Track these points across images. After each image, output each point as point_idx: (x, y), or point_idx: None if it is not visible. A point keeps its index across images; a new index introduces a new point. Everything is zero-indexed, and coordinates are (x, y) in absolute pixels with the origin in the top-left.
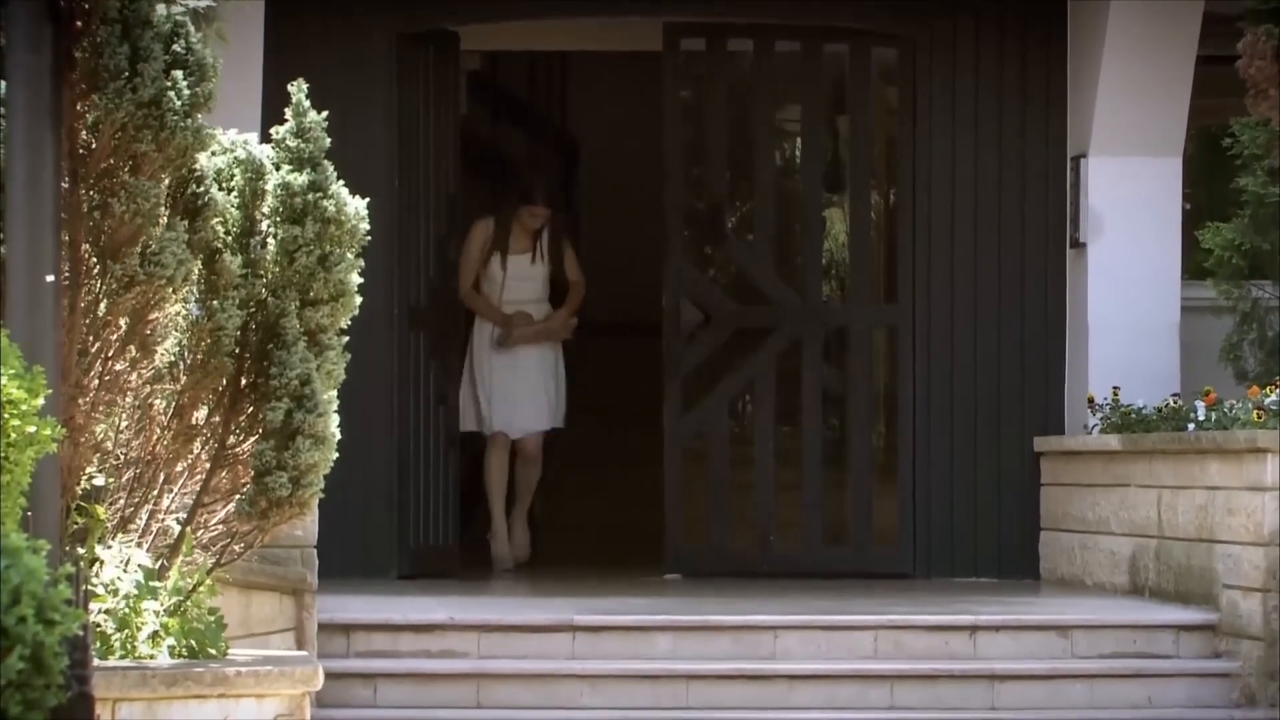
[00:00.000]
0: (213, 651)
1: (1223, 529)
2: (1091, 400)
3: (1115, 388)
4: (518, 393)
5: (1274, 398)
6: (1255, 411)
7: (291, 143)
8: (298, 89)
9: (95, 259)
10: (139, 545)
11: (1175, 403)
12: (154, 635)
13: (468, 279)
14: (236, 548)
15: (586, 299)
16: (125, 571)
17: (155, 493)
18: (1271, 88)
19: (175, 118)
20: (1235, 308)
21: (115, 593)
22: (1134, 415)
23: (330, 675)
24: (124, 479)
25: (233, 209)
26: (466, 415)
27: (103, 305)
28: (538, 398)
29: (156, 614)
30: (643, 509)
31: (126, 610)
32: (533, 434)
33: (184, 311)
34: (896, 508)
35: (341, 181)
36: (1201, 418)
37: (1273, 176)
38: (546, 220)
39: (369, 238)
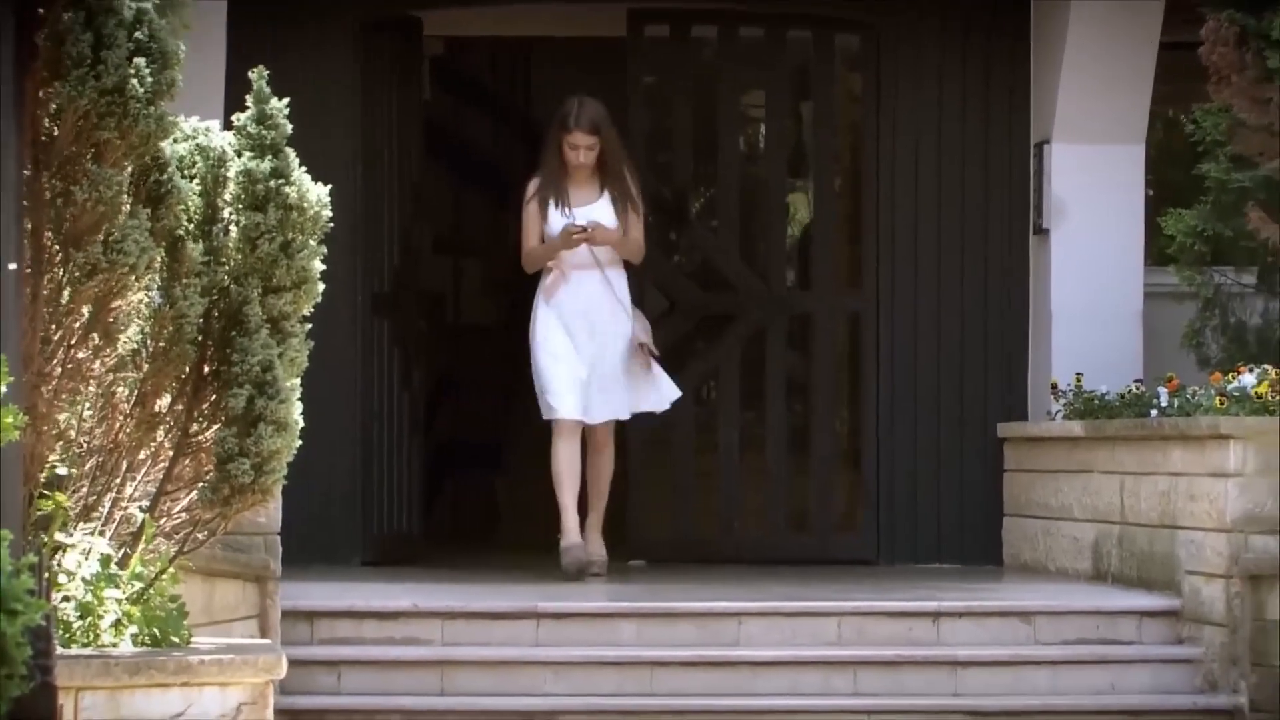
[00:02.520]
0: (176, 640)
1: (1185, 515)
2: (1055, 386)
3: (1078, 374)
4: (600, 369)
5: (1236, 384)
6: (1218, 398)
7: (253, 129)
8: (259, 75)
9: (58, 247)
10: (102, 533)
11: (1138, 389)
12: (117, 624)
13: (527, 243)
14: (199, 535)
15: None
16: (87, 560)
17: (118, 480)
18: (1233, 74)
19: (138, 105)
20: (1198, 294)
21: (78, 581)
22: (1097, 401)
23: (294, 663)
24: (87, 467)
25: (195, 196)
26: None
27: (65, 293)
28: (618, 376)
29: (119, 602)
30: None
31: (89, 598)
32: (608, 421)
33: (146, 299)
34: (860, 494)
35: (304, 168)
36: (1164, 404)
37: (1235, 163)
38: (596, 149)
39: (332, 224)
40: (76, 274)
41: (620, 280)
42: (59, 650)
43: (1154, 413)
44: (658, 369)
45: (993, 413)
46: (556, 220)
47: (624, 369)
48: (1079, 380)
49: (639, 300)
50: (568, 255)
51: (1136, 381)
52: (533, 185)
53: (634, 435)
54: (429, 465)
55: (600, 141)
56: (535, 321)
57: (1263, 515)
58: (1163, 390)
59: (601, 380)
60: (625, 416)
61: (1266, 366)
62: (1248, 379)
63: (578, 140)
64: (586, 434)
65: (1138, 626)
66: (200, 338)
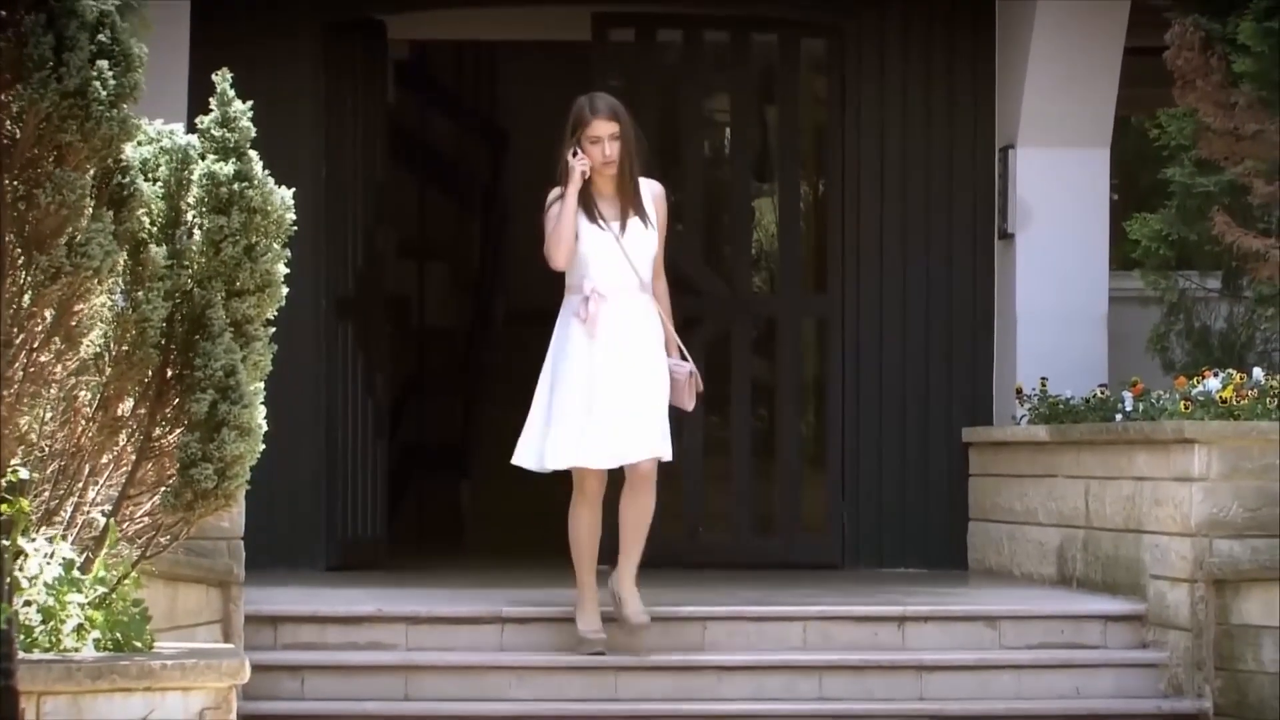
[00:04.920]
0: (138, 644)
1: (1150, 519)
2: (1020, 391)
3: (1043, 378)
4: (633, 405)
5: (1201, 388)
6: (1182, 402)
7: (217, 132)
8: (222, 78)
9: (20, 250)
10: (64, 538)
11: (1103, 393)
12: (79, 628)
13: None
14: (162, 540)
15: (527, 287)
16: (50, 564)
17: (80, 485)
18: (1198, 78)
19: (101, 108)
20: (1163, 298)
21: (39, 585)
22: (1062, 406)
23: (257, 667)
24: (48, 471)
25: (158, 199)
26: (536, 445)
27: (27, 296)
28: (658, 407)
29: (81, 607)
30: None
31: (51, 603)
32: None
33: (109, 303)
34: (825, 498)
35: (268, 171)
36: (1129, 408)
37: (1199, 167)
38: (619, 139)
39: (295, 227)
40: (39, 277)
41: (654, 304)
42: (20, 655)
43: (1119, 417)
44: (663, 417)
45: (958, 417)
46: (591, 234)
47: (660, 401)
48: (1044, 384)
49: None
50: (603, 276)
51: (1101, 386)
52: (553, 193)
53: None
54: (394, 470)
55: (621, 130)
56: (563, 351)
57: (1227, 519)
58: (1127, 395)
59: (639, 414)
60: (667, 456)
61: (1231, 371)
62: (1212, 383)
63: (599, 130)
64: (626, 473)
65: (1103, 631)
66: (163, 341)
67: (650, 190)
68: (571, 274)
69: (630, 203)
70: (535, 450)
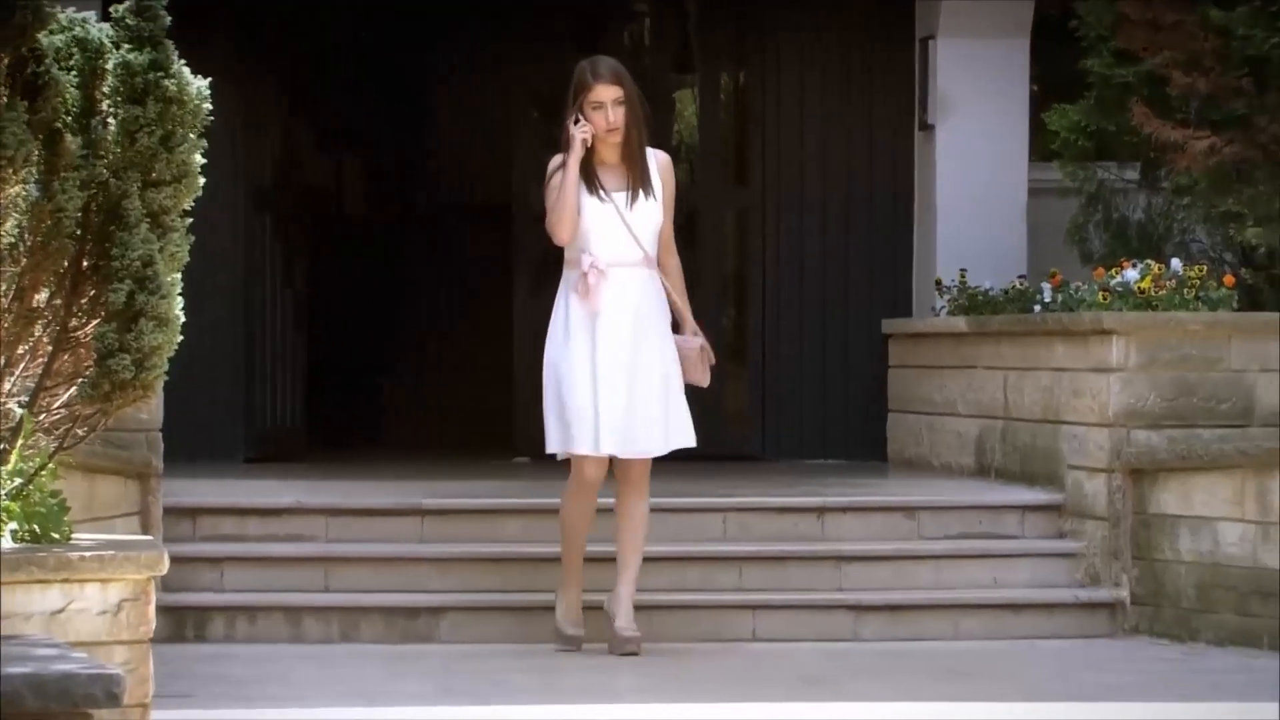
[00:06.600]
0: (56, 536)
1: (1068, 410)
2: (939, 282)
3: (962, 270)
4: (638, 392)
5: (1119, 279)
6: (1101, 293)
7: (132, 21)
8: None
9: None
10: None
11: (1022, 285)
12: None
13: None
14: (80, 431)
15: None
16: None
17: None
18: None
19: None
20: (1081, 189)
21: None
22: (981, 297)
23: (176, 559)
24: None
25: (73, 89)
26: (557, 429)
27: None
28: (665, 397)
29: None
30: (491, 391)
31: None
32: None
33: (24, 192)
34: (746, 390)
35: (184, 60)
36: (1048, 299)
37: (1118, 58)
38: (623, 104)
39: (212, 118)
40: None
41: (659, 279)
42: None
43: (1038, 308)
44: (682, 402)
45: (878, 309)
46: (592, 206)
47: (663, 389)
48: (963, 276)
49: (522, 197)
50: (605, 250)
51: (1020, 277)
52: (554, 162)
53: (521, 332)
54: (313, 364)
55: (625, 94)
56: (563, 330)
57: (1145, 410)
58: (1046, 286)
59: (645, 402)
60: (690, 442)
61: (1149, 261)
62: (1131, 274)
63: (602, 94)
64: (617, 470)
65: (1020, 521)
66: (79, 232)
67: (655, 159)
68: (570, 247)
69: (636, 173)
70: (558, 435)
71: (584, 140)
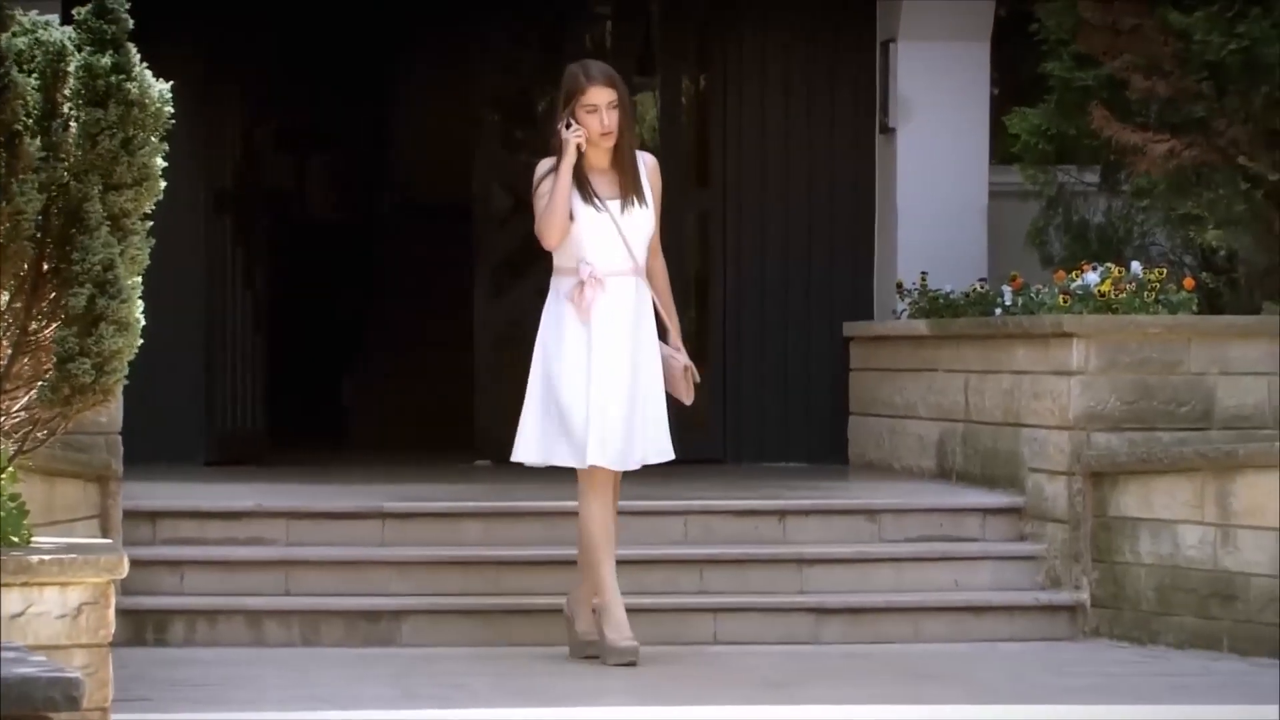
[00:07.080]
0: (15, 539)
1: (1028, 413)
2: (900, 285)
3: (923, 273)
4: (635, 404)
5: (1080, 282)
6: (1061, 296)
7: (94, 23)
8: None
9: None
10: None
11: (982, 288)
12: None
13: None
14: (39, 435)
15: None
16: None
17: None
18: None
19: None
20: (1042, 193)
21: None
22: (942, 300)
23: (136, 563)
24: None
25: (34, 91)
26: (536, 438)
27: None
28: (657, 407)
29: None
30: (453, 394)
31: None
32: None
33: None
34: (707, 393)
35: (145, 64)
36: (1008, 302)
37: (1078, 61)
38: (617, 107)
39: (173, 121)
40: None
41: (648, 289)
42: None
43: (998, 311)
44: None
45: (839, 312)
46: (587, 214)
47: (662, 396)
48: (924, 279)
49: (484, 199)
50: (600, 258)
51: (981, 280)
52: (543, 166)
53: (482, 334)
54: (275, 366)
55: (619, 97)
56: (555, 339)
57: (1105, 413)
58: (1007, 289)
59: (643, 415)
60: (667, 456)
61: (1109, 265)
62: (1091, 277)
63: (596, 97)
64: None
65: (981, 524)
66: (39, 235)
67: (644, 163)
68: (562, 254)
69: (628, 178)
70: (536, 444)
71: (578, 145)
